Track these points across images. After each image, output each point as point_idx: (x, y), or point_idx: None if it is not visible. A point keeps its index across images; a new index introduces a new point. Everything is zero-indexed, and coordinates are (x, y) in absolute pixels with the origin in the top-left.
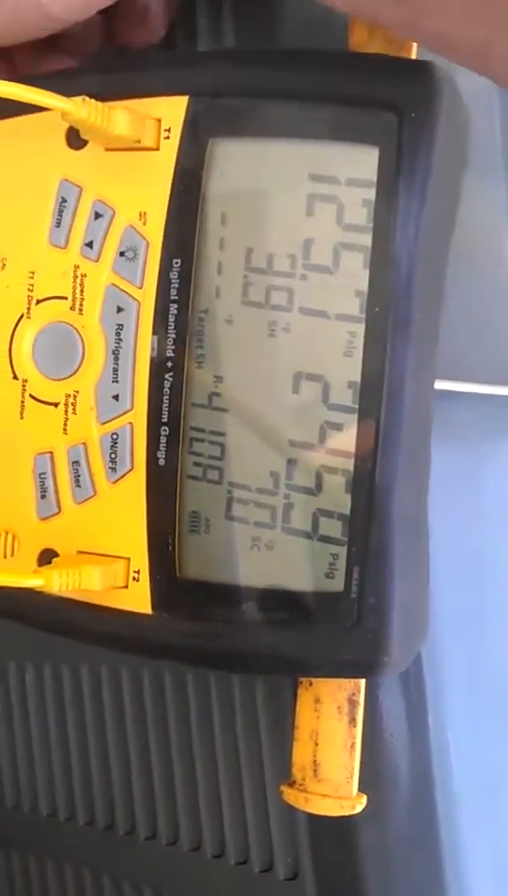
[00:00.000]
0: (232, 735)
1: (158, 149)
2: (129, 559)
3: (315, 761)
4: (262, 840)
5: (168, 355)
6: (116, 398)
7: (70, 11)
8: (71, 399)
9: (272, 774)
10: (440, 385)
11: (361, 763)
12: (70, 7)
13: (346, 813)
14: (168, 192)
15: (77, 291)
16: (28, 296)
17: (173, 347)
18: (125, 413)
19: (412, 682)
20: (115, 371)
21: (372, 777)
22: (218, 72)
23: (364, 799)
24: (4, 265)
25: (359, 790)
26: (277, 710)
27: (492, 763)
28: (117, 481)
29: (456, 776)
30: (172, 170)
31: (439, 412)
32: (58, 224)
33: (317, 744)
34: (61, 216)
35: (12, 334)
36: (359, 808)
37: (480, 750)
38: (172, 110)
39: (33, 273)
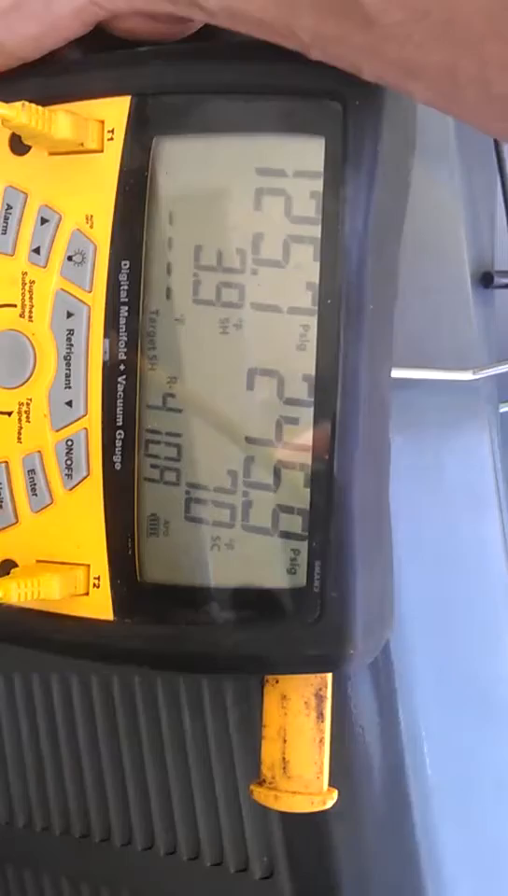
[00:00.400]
0: (203, 737)
1: (102, 151)
2: (89, 566)
3: (284, 758)
4: (237, 841)
5: (120, 358)
6: (69, 404)
7: (24, 49)
8: (24, 408)
9: (244, 774)
10: (397, 373)
11: (332, 757)
12: (24, 46)
13: (317, 809)
14: (114, 194)
15: (27, 298)
16: None
17: (125, 350)
18: (79, 418)
19: (381, 673)
20: (67, 376)
21: (343, 771)
22: (159, 70)
23: (335, 794)
24: None
25: (330, 784)
26: (247, 710)
27: (464, 751)
28: (74, 487)
29: (429, 765)
30: (117, 171)
31: (397, 399)
32: (3, 231)
33: (285, 741)
34: (6, 222)
35: None
36: (329, 803)
37: (452, 739)
38: (114, 111)
39: None
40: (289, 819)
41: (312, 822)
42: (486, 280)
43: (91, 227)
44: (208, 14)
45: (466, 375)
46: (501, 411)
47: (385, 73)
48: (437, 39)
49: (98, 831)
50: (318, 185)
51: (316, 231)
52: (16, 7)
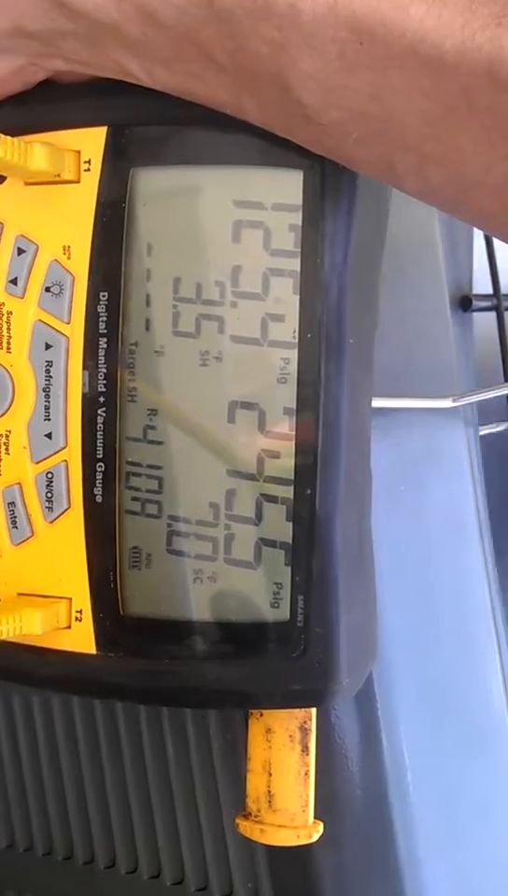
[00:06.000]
0: (187, 764)
1: (79, 182)
2: (70, 599)
3: (269, 791)
4: (221, 866)
5: (100, 389)
6: (49, 436)
7: None
8: (3, 439)
9: (228, 800)
10: (377, 402)
11: (316, 785)
12: None
13: (303, 842)
14: (91, 225)
15: (4, 329)
16: None
17: (104, 382)
18: (59, 451)
19: (363, 701)
20: (46, 408)
21: (327, 800)
22: (137, 100)
23: (321, 826)
24: None
25: (315, 814)
26: (232, 736)
27: (449, 780)
28: (54, 520)
29: (412, 793)
30: (94, 202)
31: (377, 426)
32: None
33: (270, 774)
34: None
35: None
36: (315, 836)
37: (435, 767)
38: (91, 141)
39: None
40: (274, 846)
41: (296, 850)
42: (464, 304)
43: (69, 258)
44: (155, 86)
45: (446, 403)
46: (481, 433)
47: (332, 156)
48: (375, 136)
49: (82, 853)
50: (297, 218)
51: (295, 263)
52: None
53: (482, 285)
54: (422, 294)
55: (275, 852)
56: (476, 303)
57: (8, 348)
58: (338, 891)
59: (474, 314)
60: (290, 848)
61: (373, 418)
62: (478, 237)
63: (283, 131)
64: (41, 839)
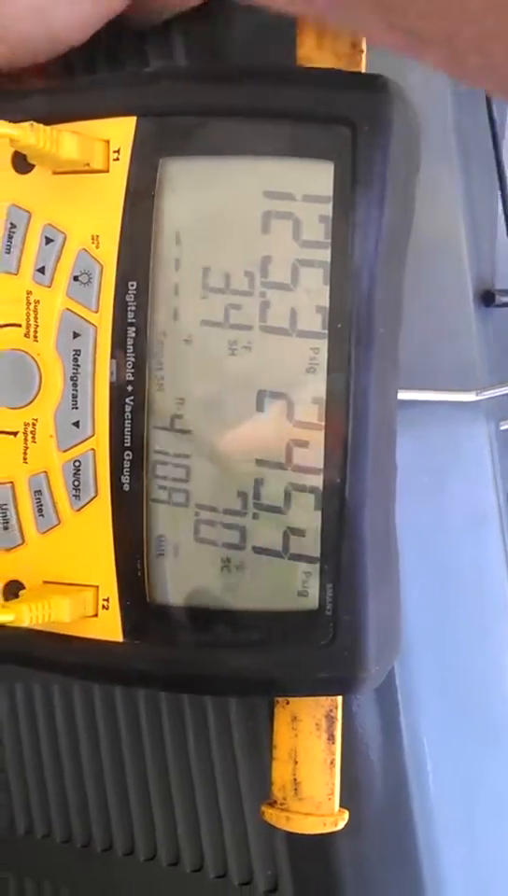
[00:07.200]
0: (207, 750)
1: (108, 171)
2: (97, 587)
3: (295, 779)
4: (241, 853)
5: (128, 378)
6: (76, 424)
7: (75, 31)
8: (30, 428)
9: (248, 787)
10: (402, 395)
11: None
12: (74, 28)
13: (329, 830)
14: (120, 214)
15: (32, 318)
16: None
17: (132, 371)
18: (86, 439)
19: (385, 693)
20: (74, 397)
21: (347, 788)
22: (166, 91)
23: (346, 815)
24: None
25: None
26: (253, 724)
27: (467, 771)
28: (81, 508)
29: (432, 785)
30: (123, 192)
31: (400, 419)
32: (8, 250)
33: (296, 762)
34: (10, 241)
35: None
36: (341, 824)
37: (455, 758)
38: (120, 131)
39: None
40: (294, 834)
41: (316, 838)
42: (487, 299)
43: (97, 247)
44: None
45: (469, 396)
46: (503, 428)
47: (396, 40)
48: (437, 9)
49: (100, 840)
50: (328, 209)
51: (325, 254)
52: None
53: (505, 280)
54: (445, 288)
55: (295, 840)
56: (499, 298)
57: (36, 337)
58: (357, 878)
59: (497, 308)
60: (311, 836)
61: (398, 411)
62: (502, 232)
63: (350, 6)
64: (60, 826)
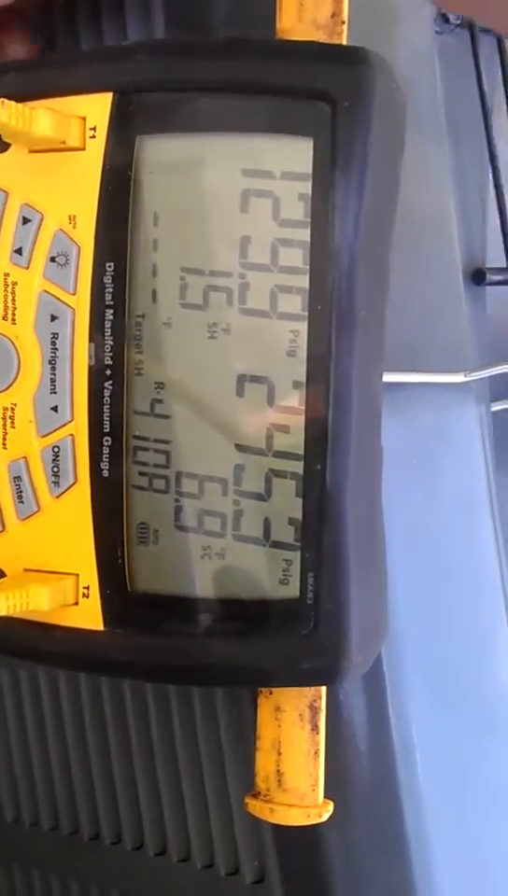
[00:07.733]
0: (193, 741)
1: (84, 149)
2: (78, 575)
3: (278, 770)
4: (228, 844)
5: (107, 362)
6: (55, 409)
7: None
8: (9, 413)
9: (234, 778)
10: (388, 377)
11: (325, 766)
12: None
13: (313, 822)
14: (97, 194)
15: (9, 300)
16: None
17: (111, 354)
18: (65, 424)
19: (372, 681)
20: (52, 381)
21: (335, 779)
22: (143, 66)
23: (331, 806)
24: None
25: (324, 794)
26: (238, 713)
27: (458, 760)
28: (61, 495)
29: (421, 774)
30: (99, 170)
31: (388, 401)
32: None
33: (280, 753)
34: None
35: None
36: (325, 816)
37: (445, 747)
38: (96, 108)
39: None
40: (280, 825)
41: (303, 829)
42: (477, 277)
43: (75, 227)
44: None
45: (458, 378)
46: (493, 409)
47: None
48: None
49: (87, 828)
50: (307, 187)
51: (305, 234)
52: None
53: (496, 258)
54: (434, 268)
55: (281, 830)
56: (490, 277)
57: (13, 319)
58: (345, 869)
59: (488, 287)
60: (297, 827)
61: (385, 394)
62: (492, 209)
63: None
64: (47, 814)
